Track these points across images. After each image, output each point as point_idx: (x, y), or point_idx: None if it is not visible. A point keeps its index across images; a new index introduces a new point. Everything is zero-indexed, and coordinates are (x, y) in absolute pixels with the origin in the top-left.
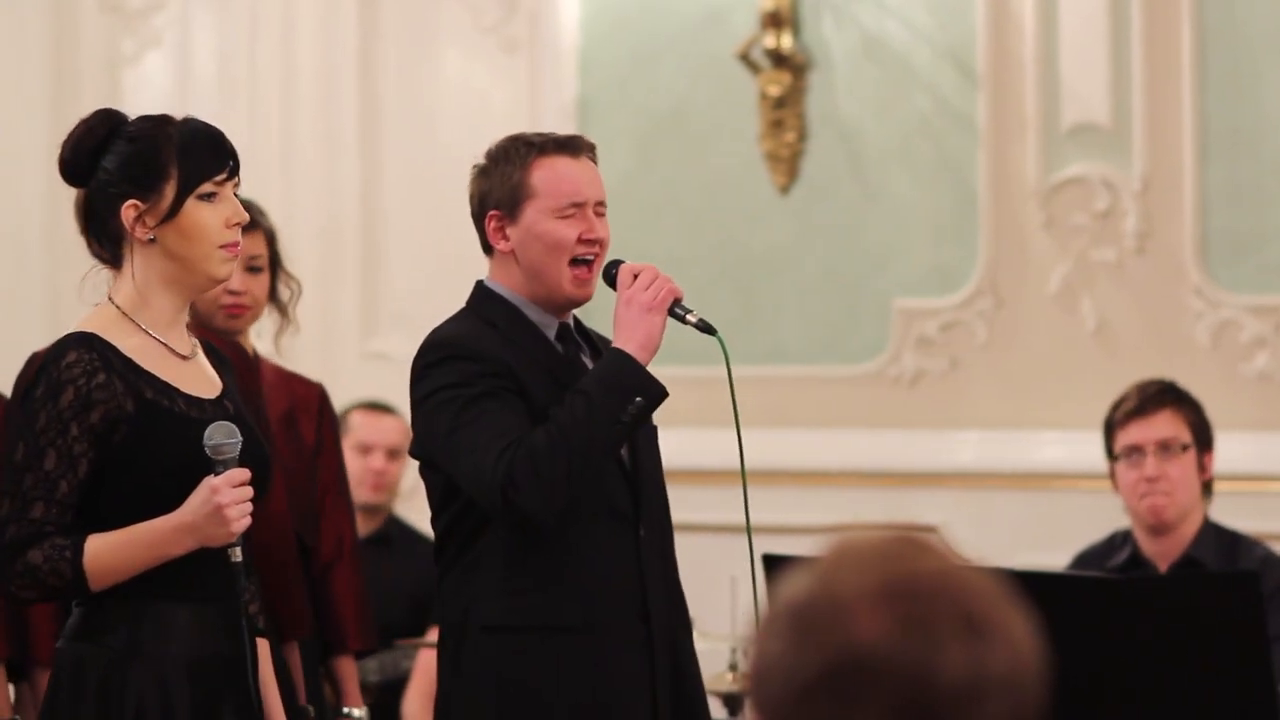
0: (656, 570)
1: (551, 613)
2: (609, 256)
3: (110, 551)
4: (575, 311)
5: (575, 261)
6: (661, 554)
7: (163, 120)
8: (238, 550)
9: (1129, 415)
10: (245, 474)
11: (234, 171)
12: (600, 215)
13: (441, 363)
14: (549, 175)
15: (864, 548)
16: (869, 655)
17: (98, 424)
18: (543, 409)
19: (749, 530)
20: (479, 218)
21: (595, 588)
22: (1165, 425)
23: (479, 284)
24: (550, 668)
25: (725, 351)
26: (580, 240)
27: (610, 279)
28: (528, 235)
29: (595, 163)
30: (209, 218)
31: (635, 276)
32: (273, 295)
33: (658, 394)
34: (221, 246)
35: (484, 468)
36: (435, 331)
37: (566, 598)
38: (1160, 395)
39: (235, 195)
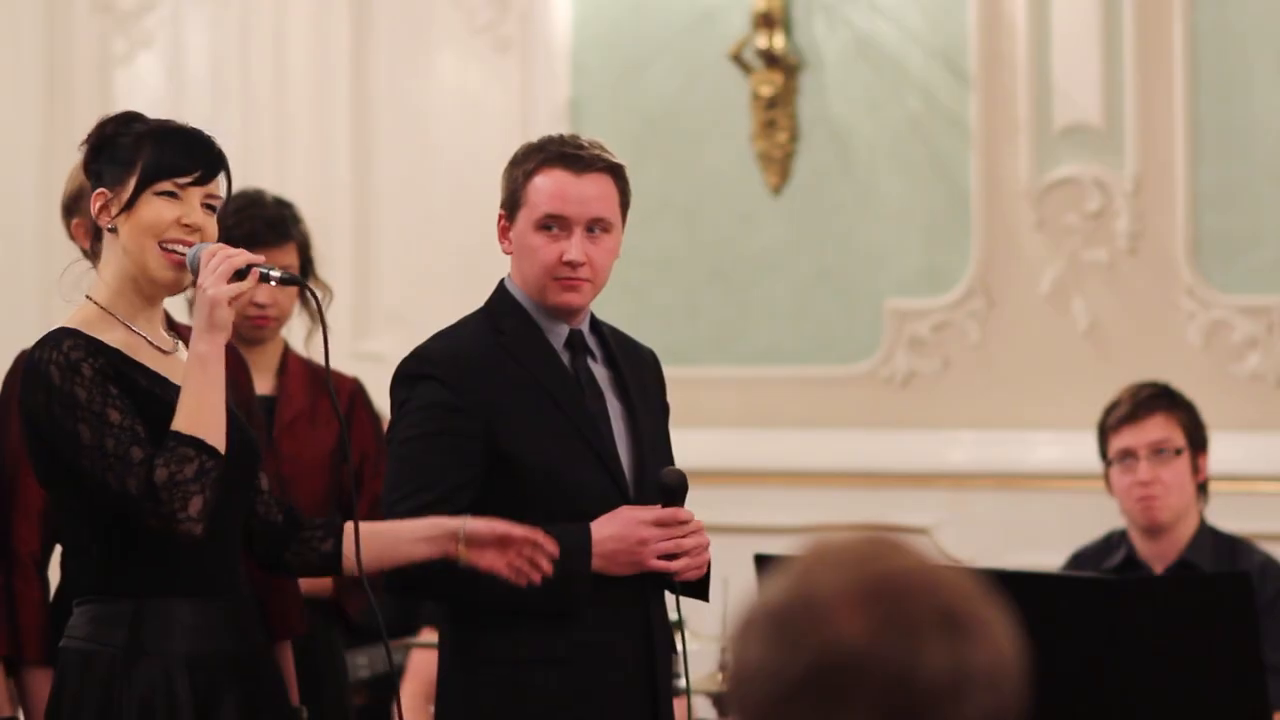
0: (657, 586)
1: (550, 645)
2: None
3: (181, 406)
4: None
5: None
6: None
7: (144, 118)
8: (274, 271)
9: (1121, 420)
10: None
11: (205, 179)
12: (592, 235)
13: (420, 379)
14: (542, 186)
15: (840, 549)
16: (850, 655)
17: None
18: (534, 433)
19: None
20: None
21: (596, 619)
22: (1157, 429)
23: (501, 283)
24: (551, 699)
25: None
26: (561, 261)
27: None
28: (519, 242)
29: (614, 180)
30: (162, 212)
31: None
32: (304, 301)
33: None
34: (162, 245)
35: (391, 514)
36: (434, 338)
37: (565, 630)
38: (1152, 400)
39: (211, 206)
